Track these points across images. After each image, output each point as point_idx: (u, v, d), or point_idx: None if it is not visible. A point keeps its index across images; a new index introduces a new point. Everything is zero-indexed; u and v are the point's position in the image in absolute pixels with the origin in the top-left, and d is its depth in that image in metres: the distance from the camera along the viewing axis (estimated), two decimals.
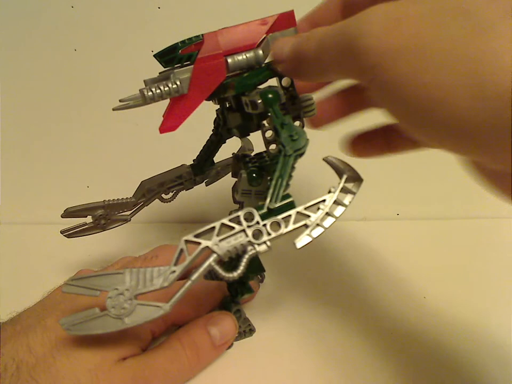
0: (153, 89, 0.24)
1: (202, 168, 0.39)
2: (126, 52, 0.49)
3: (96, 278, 0.25)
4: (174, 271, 0.24)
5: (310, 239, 0.25)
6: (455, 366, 0.32)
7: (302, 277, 0.42)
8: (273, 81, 0.30)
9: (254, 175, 0.29)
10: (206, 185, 0.42)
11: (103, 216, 0.39)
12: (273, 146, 0.31)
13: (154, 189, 0.38)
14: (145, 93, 0.24)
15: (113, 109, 0.25)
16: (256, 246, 0.25)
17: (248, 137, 0.32)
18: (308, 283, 0.41)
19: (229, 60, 0.27)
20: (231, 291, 0.33)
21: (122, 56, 0.49)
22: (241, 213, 0.25)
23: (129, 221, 0.41)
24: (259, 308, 0.37)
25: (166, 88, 0.24)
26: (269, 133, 0.31)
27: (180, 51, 0.26)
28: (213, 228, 0.25)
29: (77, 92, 0.51)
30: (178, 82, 0.24)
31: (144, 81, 0.27)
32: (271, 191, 0.25)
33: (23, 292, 0.34)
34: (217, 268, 0.24)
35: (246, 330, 0.34)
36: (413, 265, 0.43)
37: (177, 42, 0.26)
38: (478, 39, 0.17)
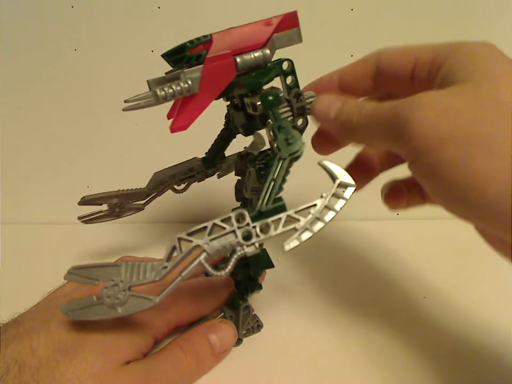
0: (166, 89, 0.24)
1: (214, 161, 0.40)
2: (126, 52, 0.49)
3: (96, 269, 0.26)
4: (165, 267, 0.25)
5: (298, 243, 0.25)
6: (455, 366, 0.33)
7: (302, 276, 0.43)
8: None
9: (263, 172, 0.30)
10: (218, 178, 0.43)
11: (118, 204, 0.40)
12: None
13: (166, 180, 0.40)
14: (158, 92, 0.24)
15: (123, 109, 0.25)
16: (244, 247, 0.25)
17: (259, 131, 0.32)
18: (308, 282, 0.42)
19: (238, 60, 0.27)
20: (240, 288, 0.34)
21: (123, 56, 0.49)
22: (232, 214, 0.26)
23: (143, 209, 0.42)
24: (265, 304, 0.38)
25: (178, 88, 0.24)
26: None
27: (188, 51, 0.26)
28: (205, 227, 0.26)
29: (77, 92, 0.51)
30: (189, 82, 0.25)
31: (147, 81, 0.27)
32: (263, 193, 0.26)
33: (23, 292, 0.34)
34: (206, 265, 0.25)
35: (254, 326, 0.35)
36: (412, 265, 0.44)
37: (186, 42, 0.26)
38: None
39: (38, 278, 0.40)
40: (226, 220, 0.26)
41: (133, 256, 0.38)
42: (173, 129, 0.25)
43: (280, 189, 0.26)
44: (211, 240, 0.25)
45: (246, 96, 0.29)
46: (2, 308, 0.32)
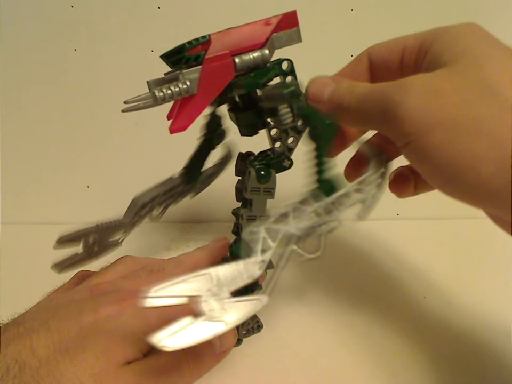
0: (164, 90, 0.24)
1: (193, 176, 0.37)
2: (126, 52, 0.49)
3: (178, 285, 0.23)
4: (263, 261, 0.25)
5: (369, 212, 0.28)
6: (455, 366, 0.33)
7: (302, 277, 0.43)
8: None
9: (262, 172, 0.30)
10: (197, 194, 0.40)
11: (96, 241, 0.36)
12: (278, 144, 0.32)
13: (146, 204, 0.36)
14: (156, 93, 0.24)
15: (122, 111, 0.25)
16: (329, 223, 0.26)
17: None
18: (308, 282, 0.42)
19: (237, 60, 0.27)
20: (240, 288, 0.33)
21: (122, 56, 0.49)
22: (308, 195, 0.26)
23: (120, 245, 0.38)
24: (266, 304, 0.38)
25: (177, 89, 0.24)
26: (274, 131, 0.31)
27: (187, 52, 0.26)
28: (287, 212, 0.26)
29: (76, 92, 0.51)
30: (188, 83, 0.25)
31: (147, 82, 0.26)
32: (317, 169, 0.27)
33: (23, 292, 0.34)
34: (299, 250, 0.26)
35: (254, 326, 0.34)
36: (412, 265, 0.44)
37: (184, 43, 0.26)
38: (504, 117, 0.21)
39: (38, 278, 0.40)
40: (304, 201, 0.26)
41: (133, 256, 0.39)
42: (172, 130, 0.25)
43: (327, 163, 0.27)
44: (296, 223, 0.25)
45: (261, 89, 0.29)
46: (2, 308, 0.32)
